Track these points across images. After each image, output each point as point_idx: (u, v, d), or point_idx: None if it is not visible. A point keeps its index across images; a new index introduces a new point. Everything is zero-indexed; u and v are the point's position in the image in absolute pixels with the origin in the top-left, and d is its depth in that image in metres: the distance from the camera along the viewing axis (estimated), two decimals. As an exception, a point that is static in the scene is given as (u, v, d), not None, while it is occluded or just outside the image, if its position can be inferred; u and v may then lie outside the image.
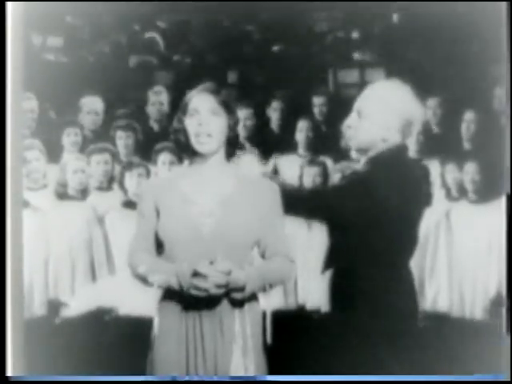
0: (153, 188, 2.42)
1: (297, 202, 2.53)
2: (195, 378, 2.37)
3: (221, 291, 2.24)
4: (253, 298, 2.36)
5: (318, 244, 2.74)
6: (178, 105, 2.44)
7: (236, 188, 2.38)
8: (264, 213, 2.37)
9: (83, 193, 3.29)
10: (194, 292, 2.24)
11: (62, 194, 3.27)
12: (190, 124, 2.35)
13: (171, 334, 2.32)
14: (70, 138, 3.37)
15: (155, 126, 3.56)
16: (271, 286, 2.35)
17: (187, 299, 2.28)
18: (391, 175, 2.50)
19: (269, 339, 2.41)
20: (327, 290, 2.63)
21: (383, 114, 2.51)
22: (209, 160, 2.37)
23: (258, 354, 2.35)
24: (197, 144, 2.34)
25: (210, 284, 2.22)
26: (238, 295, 2.28)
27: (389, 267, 2.50)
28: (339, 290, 2.59)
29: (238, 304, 2.31)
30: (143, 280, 2.33)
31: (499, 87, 3.06)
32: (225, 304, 2.30)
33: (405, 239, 2.55)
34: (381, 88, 2.60)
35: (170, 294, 2.33)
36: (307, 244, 3.04)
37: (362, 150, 2.58)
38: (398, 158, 2.55)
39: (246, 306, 2.33)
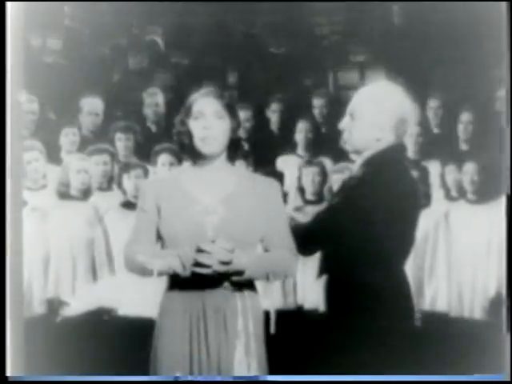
0: (154, 185, 2.41)
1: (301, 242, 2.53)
2: (198, 378, 2.36)
3: (224, 268, 2.22)
4: (254, 292, 2.36)
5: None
6: (178, 107, 2.44)
7: (238, 186, 2.38)
8: (267, 210, 2.37)
9: (85, 193, 3.29)
10: (197, 270, 2.22)
11: (64, 194, 3.26)
12: (195, 127, 2.35)
13: (174, 332, 2.31)
14: (68, 138, 3.38)
15: (154, 127, 3.57)
16: (274, 276, 2.35)
17: (189, 282, 2.26)
18: (387, 176, 2.50)
19: (272, 330, 2.40)
20: (325, 290, 2.63)
21: (375, 113, 2.51)
22: (211, 162, 2.37)
23: (260, 352, 2.35)
24: (202, 147, 2.34)
25: (214, 260, 2.21)
26: (237, 278, 2.26)
27: (384, 268, 2.50)
28: (336, 291, 2.59)
29: (237, 288, 2.30)
30: (141, 271, 2.29)
31: (499, 87, 3.08)
32: (227, 296, 2.30)
33: (400, 240, 2.55)
34: (371, 89, 2.60)
35: (172, 284, 2.31)
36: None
37: (358, 152, 2.59)
38: (394, 159, 2.56)
39: (249, 305, 2.33)
